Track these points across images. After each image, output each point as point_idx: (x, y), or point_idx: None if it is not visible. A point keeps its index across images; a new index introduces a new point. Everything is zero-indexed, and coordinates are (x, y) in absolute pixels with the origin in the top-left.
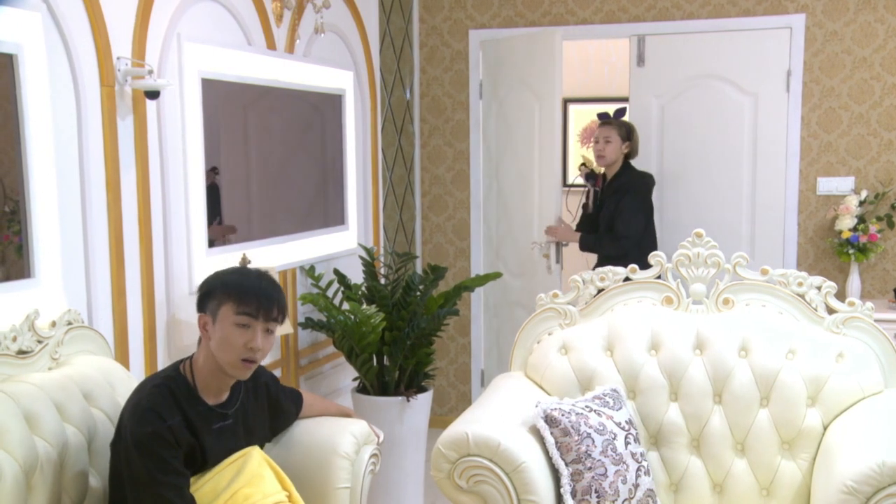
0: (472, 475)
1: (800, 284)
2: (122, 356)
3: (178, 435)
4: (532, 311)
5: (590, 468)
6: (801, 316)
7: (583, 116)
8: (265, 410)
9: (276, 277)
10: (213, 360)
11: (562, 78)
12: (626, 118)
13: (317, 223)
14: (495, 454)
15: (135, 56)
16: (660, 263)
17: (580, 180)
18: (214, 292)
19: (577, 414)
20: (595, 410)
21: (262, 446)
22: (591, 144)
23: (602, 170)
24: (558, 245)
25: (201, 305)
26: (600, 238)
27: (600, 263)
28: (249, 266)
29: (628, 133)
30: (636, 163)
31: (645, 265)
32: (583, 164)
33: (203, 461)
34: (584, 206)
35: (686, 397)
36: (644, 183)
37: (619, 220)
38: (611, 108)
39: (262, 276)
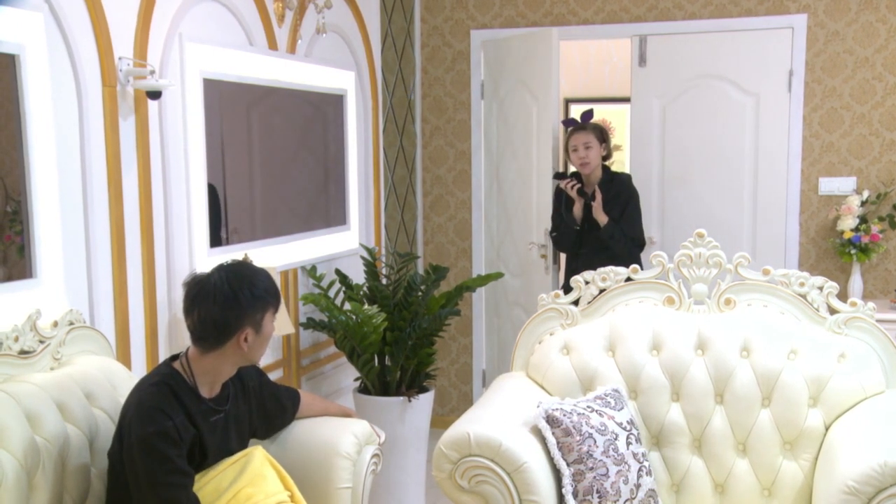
0: (474, 475)
1: (801, 285)
2: (124, 356)
3: (183, 432)
4: (530, 311)
5: (591, 468)
6: (802, 316)
7: None
8: (251, 404)
9: (277, 278)
10: (224, 361)
11: (559, 78)
12: (594, 119)
13: (318, 223)
14: (497, 454)
15: (136, 56)
16: (661, 264)
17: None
18: (253, 306)
19: (578, 414)
20: (596, 410)
21: (249, 440)
22: (570, 153)
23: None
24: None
25: (237, 325)
26: (624, 237)
27: (600, 264)
28: (229, 263)
29: (602, 135)
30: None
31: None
32: (563, 174)
33: (203, 456)
34: (572, 220)
35: (687, 397)
36: (634, 185)
37: (634, 228)
38: (576, 113)
39: (258, 270)
